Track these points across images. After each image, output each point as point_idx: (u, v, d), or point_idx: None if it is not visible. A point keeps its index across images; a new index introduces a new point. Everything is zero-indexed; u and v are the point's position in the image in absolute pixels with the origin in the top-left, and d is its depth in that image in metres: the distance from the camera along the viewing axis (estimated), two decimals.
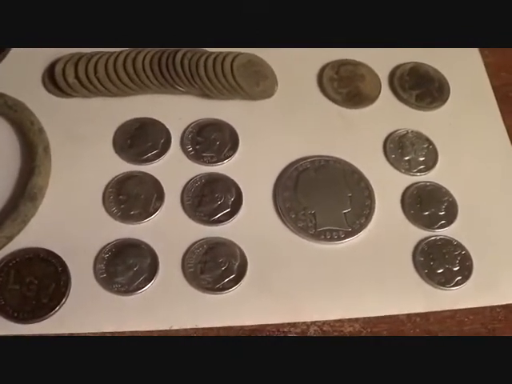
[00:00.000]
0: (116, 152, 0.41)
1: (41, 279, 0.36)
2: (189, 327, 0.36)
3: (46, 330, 0.35)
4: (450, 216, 0.41)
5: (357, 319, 0.37)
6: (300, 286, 0.38)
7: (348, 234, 0.39)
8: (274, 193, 0.41)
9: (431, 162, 0.43)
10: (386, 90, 0.46)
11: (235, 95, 0.43)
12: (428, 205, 0.41)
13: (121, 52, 0.43)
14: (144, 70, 0.42)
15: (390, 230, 0.40)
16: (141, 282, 0.37)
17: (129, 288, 0.37)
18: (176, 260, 0.38)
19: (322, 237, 0.39)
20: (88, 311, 0.36)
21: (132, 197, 0.39)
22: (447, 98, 0.46)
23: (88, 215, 0.39)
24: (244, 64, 0.44)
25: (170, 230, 0.39)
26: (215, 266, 0.38)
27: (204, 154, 0.42)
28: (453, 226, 0.41)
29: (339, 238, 0.39)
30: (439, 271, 0.39)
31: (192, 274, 0.37)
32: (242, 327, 0.36)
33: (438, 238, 0.40)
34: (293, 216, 0.40)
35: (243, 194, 0.40)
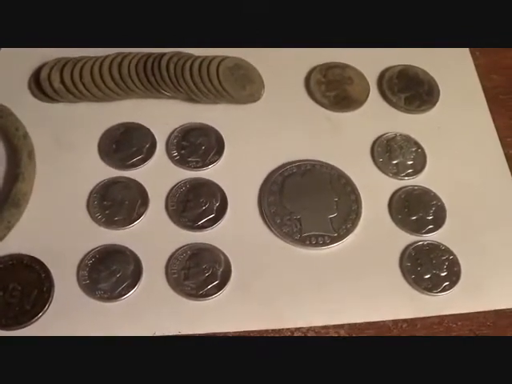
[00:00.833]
0: (101, 157, 0.41)
1: (24, 285, 0.36)
2: (172, 334, 0.36)
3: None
4: (438, 220, 0.40)
5: (342, 325, 0.37)
6: (285, 292, 0.37)
7: (334, 240, 0.39)
8: (260, 198, 0.40)
9: (419, 165, 0.42)
10: (374, 92, 0.45)
11: (221, 99, 0.43)
12: (416, 209, 0.41)
13: (106, 57, 0.43)
14: (130, 74, 0.42)
15: (377, 234, 0.40)
16: (124, 289, 0.37)
17: (112, 294, 0.36)
18: (160, 266, 0.38)
19: (308, 242, 0.39)
20: (71, 318, 0.36)
21: (116, 202, 0.39)
22: (437, 101, 0.45)
23: (72, 221, 0.39)
24: (230, 68, 0.43)
25: (153, 236, 0.39)
26: (199, 272, 0.37)
27: (189, 159, 0.41)
28: (441, 230, 0.40)
29: (325, 244, 0.39)
30: (426, 276, 0.38)
31: (175, 280, 0.37)
32: (225, 333, 0.36)
33: (426, 242, 0.40)
34: (278, 221, 0.39)
35: (228, 199, 0.40)
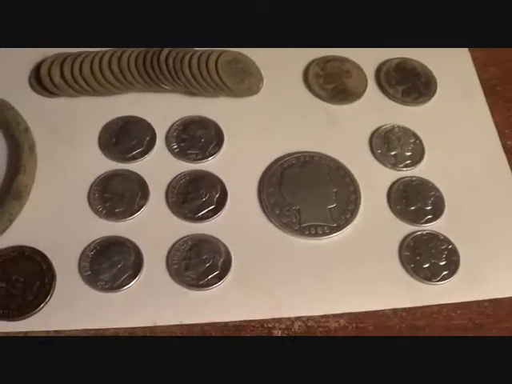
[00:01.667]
0: (101, 150, 0.41)
1: (26, 277, 0.37)
2: (173, 324, 0.36)
3: (31, 327, 0.35)
4: (437, 211, 0.41)
5: (342, 314, 0.37)
6: (284, 282, 0.38)
7: (333, 230, 0.39)
8: (259, 189, 0.41)
9: (418, 156, 0.43)
10: (372, 85, 0.46)
11: (220, 92, 0.43)
12: (414, 200, 0.41)
13: (106, 51, 0.43)
14: (129, 68, 0.42)
15: (376, 225, 0.40)
16: (125, 279, 0.37)
17: (113, 285, 0.37)
18: (160, 257, 0.38)
19: (307, 232, 0.39)
20: (73, 308, 0.36)
21: (117, 195, 0.40)
22: (434, 93, 0.46)
23: (73, 213, 0.39)
24: (229, 61, 0.44)
25: (154, 228, 0.39)
26: (199, 263, 0.38)
27: (189, 152, 0.42)
28: (439, 220, 0.40)
29: (324, 234, 0.39)
30: (425, 266, 0.39)
31: (176, 271, 0.37)
32: (226, 323, 0.36)
33: (425, 232, 0.40)
34: (277, 212, 0.40)
35: (228, 191, 0.40)
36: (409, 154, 0.43)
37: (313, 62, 0.46)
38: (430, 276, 0.38)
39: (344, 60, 0.46)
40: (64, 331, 0.35)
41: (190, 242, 0.38)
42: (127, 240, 0.38)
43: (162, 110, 0.43)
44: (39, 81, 0.43)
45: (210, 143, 0.42)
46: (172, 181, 0.40)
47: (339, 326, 0.37)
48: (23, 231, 0.38)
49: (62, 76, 0.42)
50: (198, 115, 0.43)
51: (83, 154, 0.41)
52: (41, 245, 0.38)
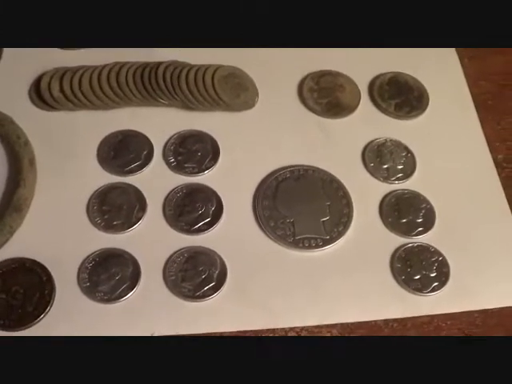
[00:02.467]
0: (100, 164, 0.42)
1: (26, 288, 0.38)
2: (170, 334, 0.37)
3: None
4: (428, 223, 0.42)
5: (335, 325, 0.38)
6: (279, 293, 0.39)
7: (326, 242, 0.40)
8: (254, 202, 0.41)
9: (409, 170, 0.44)
10: (365, 99, 0.47)
11: (216, 107, 0.44)
12: (406, 212, 0.42)
13: (104, 66, 0.44)
14: (127, 83, 0.43)
15: (368, 237, 0.41)
16: (123, 291, 0.38)
17: (111, 296, 0.38)
18: (158, 268, 0.39)
19: (301, 245, 0.40)
20: (72, 319, 0.37)
21: (115, 207, 0.40)
22: (426, 107, 0.46)
23: (72, 225, 0.40)
24: (225, 76, 0.45)
25: (151, 240, 0.40)
26: (196, 275, 0.38)
27: (186, 165, 0.42)
28: (430, 232, 0.41)
29: (317, 246, 0.40)
30: (416, 277, 0.39)
31: (173, 282, 0.38)
32: (221, 333, 0.37)
33: (416, 244, 0.41)
34: (272, 224, 0.40)
35: (224, 204, 0.41)
36: (401, 167, 0.44)
37: (307, 76, 0.47)
38: (421, 287, 0.39)
39: (337, 74, 0.47)
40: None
41: (186, 254, 0.39)
42: (125, 252, 0.39)
43: (160, 124, 0.44)
44: (39, 94, 0.44)
45: (206, 157, 0.43)
46: (169, 194, 0.41)
47: (332, 336, 0.38)
48: (23, 243, 0.39)
49: (62, 90, 0.43)
50: (195, 129, 0.44)
51: (82, 168, 0.42)
52: (41, 257, 0.38)
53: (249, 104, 0.45)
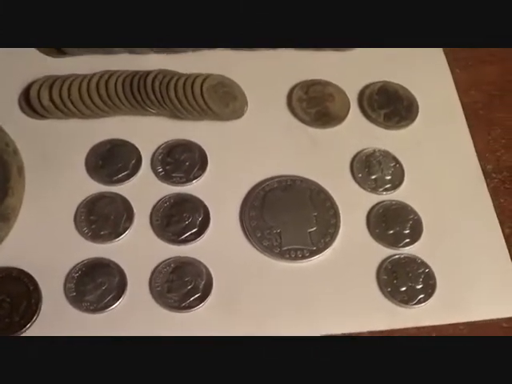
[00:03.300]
0: (88, 173, 0.42)
1: (13, 298, 0.38)
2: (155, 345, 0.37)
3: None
4: (415, 234, 0.42)
5: (320, 337, 0.38)
6: (265, 304, 0.39)
7: (313, 253, 0.40)
8: (241, 212, 0.42)
9: (397, 180, 0.44)
10: (354, 109, 0.47)
11: (205, 116, 0.44)
12: (393, 223, 0.42)
13: (94, 75, 0.44)
14: (116, 92, 0.43)
15: (355, 248, 0.41)
16: (109, 301, 0.38)
17: (97, 306, 0.38)
18: (144, 279, 0.39)
19: (287, 256, 0.40)
20: (58, 329, 0.37)
21: (102, 217, 0.40)
22: (416, 117, 0.46)
23: (60, 235, 0.40)
24: (214, 86, 0.45)
25: (138, 250, 0.40)
26: (181, 285, 0.39)
27: (173, 175, 0.42)
28: (417, 244, 0.41)
29: (304, 257, 0.40)
30: (402, 289, 0.40)
31: (159, 293, 0.38)
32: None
33: (402, 256, 0.41)
34: (259, 235, 0.40)
35: (211, 214, 0.41)
36: (389, 177, 0.44)
37: (297, 85, 0.47)
38: (407, 299, 0.39)
39: (327, 84, 0.47)
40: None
41: (172, 265, 0.39)
42: (112, 262, 0.39)
43: (148, 133, 0.44)
44: (29, 103, 0.44)
45: (194, 166, 0.43)
46: (157, 204, 0.41)
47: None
48: (11, 253, 0.39)
49: (51, 99, 0.43)
50: (183, 138, 0.44)
51: (70, 177, 0.42)
52: (28, 266, 0.39)
53: (237, 113, 0.45)
